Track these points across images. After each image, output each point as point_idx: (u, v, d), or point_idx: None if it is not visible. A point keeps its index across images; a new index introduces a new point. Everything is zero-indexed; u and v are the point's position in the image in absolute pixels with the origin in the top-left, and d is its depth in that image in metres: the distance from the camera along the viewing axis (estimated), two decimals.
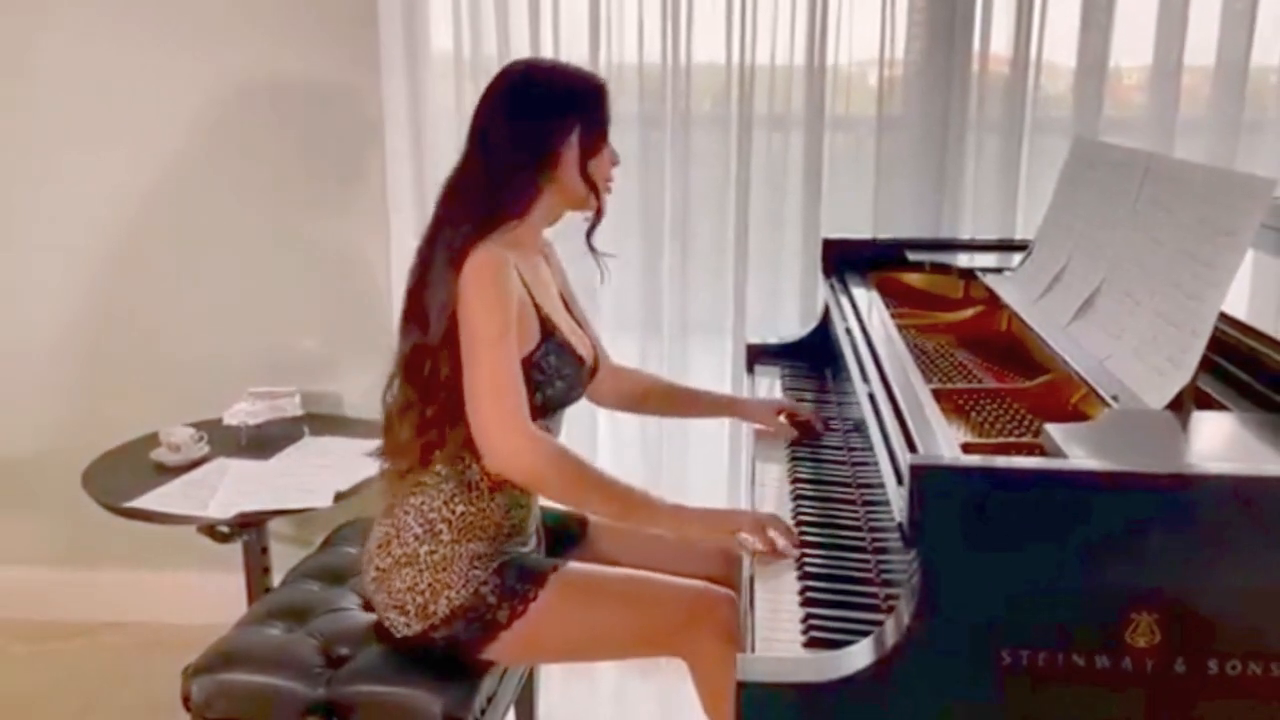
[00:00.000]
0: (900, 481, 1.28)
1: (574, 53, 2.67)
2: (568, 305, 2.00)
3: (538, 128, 1.76)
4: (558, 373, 1.78)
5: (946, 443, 1.34)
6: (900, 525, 1.17)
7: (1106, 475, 1.13)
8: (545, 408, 1.78)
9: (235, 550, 2.53)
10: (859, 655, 1.16)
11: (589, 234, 1.90)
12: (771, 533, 1.60)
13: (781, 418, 2.09)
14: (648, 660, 2.73)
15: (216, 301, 2.91)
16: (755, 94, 2.68)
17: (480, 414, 1.68)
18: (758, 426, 2.10)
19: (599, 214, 1.87)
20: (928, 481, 1.12)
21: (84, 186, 2.87)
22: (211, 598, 2.84)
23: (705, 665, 1.71)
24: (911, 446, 1.33)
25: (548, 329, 1.78)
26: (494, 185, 1.74)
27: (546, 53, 2.67)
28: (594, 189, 1.82)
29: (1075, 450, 1.19)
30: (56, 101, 2.82)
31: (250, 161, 2.83)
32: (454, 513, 1.78)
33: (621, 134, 2.70)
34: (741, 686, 1.15)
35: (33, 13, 2.77)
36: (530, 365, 1.74)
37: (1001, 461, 1.21)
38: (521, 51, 2.67)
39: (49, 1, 2.76)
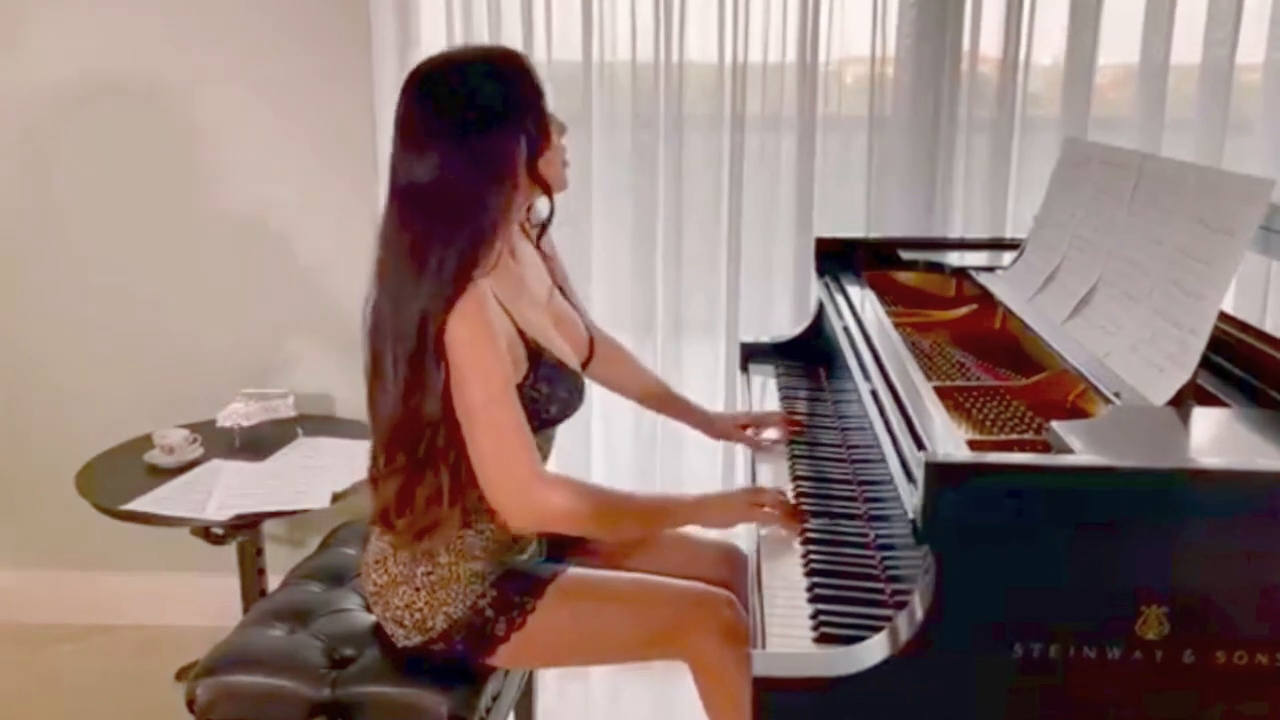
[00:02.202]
0: (911, 478, 1.30)
1: (566, 51, 2.68)
2: (563, 289, 1.94)
3: (488, 150, 1.61)
4: (550, 397, 1.73)
5: (953, 440, 1.35)
6: (913, 522, 1.19)
7: (1121, 471, 1.14)
8: (540, 428, 1.73)
9: (226, 552, 2.53)
10: (875, 649, 1.18)
11: (541, 233, 1.80)
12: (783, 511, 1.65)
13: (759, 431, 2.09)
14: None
15: (208, 303, 2.90)
16: (748, 93, 2.69)
17: (489, 483, 1.63)
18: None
19: (551, 211, 1.76)
20: (943, 478, 1.13)
21: (69, 186, 2.86)
22: (203, 600, 2.85)
23: (707, 666, 1.72)
24: (919, 444, 1.35)
25: (534, 352, 1.71)
26: (460, 242, 1.59)
27: (539, 52, 2.68)
28: (546, 189, 1.70)
29: (1082, 447, 1.21)
30: (50, 98, 2.80)
31: (242, 159, 2.83)
32: (451, 537, 1.74)
33: (614, 133, 2.75)
34: (759, 682, 1.16)
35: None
36: (521, 394, 1.66)
37: (1017, 458, 1.23)
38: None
39: None
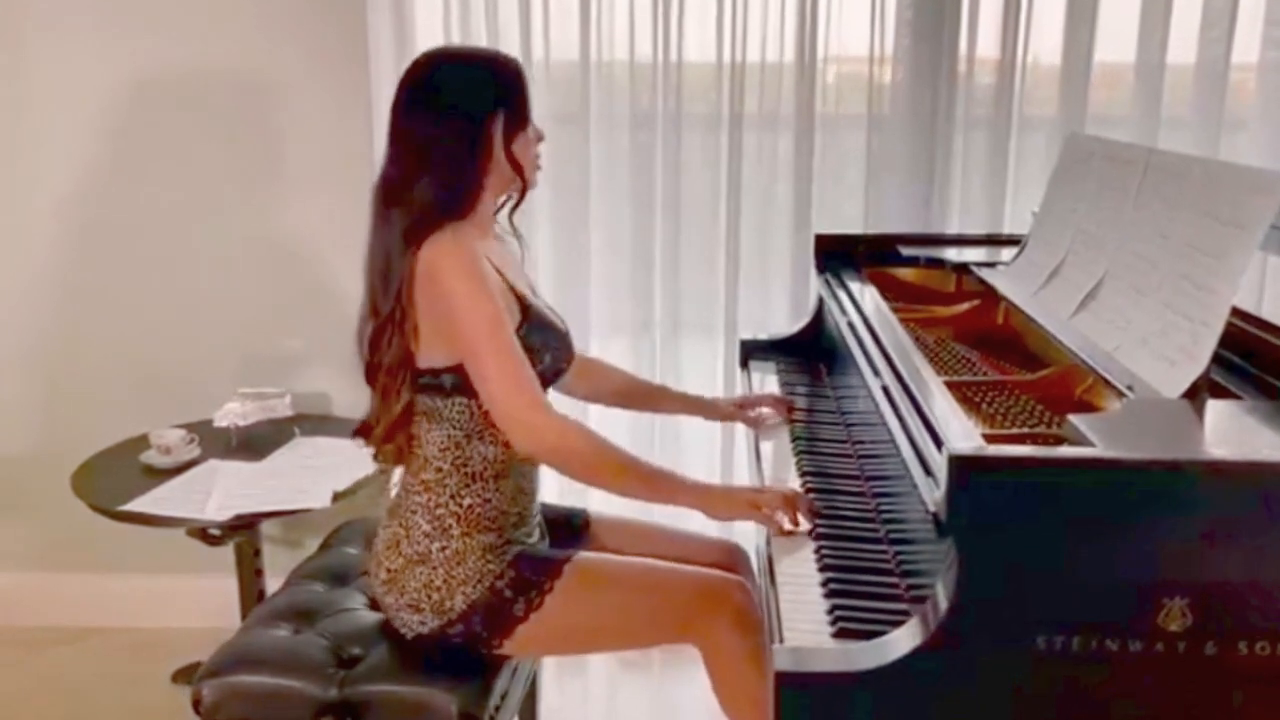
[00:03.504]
0: (929, 473, 1.30)
1: (564, 50, 2.68)
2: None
3: (467, 119, 1.74)
4: (544, 346, 1.79)
5: (969, 434, 1.36)
6: (934, 515, 1.19)
7: (1144, 464, 1.15)
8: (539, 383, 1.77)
9: (223, 554, 2.51)
10: (899, 643, 1.18)
11: (511, 211, 1.89)
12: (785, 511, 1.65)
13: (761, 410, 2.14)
14: (641, 654, 2.75)
15: (204, 302, 2.88)
16: (746, 92, 2.70)
17: (498, 405, 1.69)
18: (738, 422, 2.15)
19: (523, 193, 1.86)
20: (968, 472, 1.13)
21: (65, 185, 2.83)
22: (199, 602, 2.83)
23: (719, 651, 1.73)
24: (935, 438, 1.34)
25: (524, 305, 1.78)
26: (437, 184, 1.71)
27: (537, 51, 2.68)
28: (518, 169, 1.80)
29: (1100, 440, 1.21)
30: (43, 94, 2.78)
31: (238, 159, 2.81)
32: (461, 505, 1.77)
33: (612, 132, 2.74)
34: (781, 677, 1.16)
35: (14, 5, 2.74)
36: None
37: (1042, 451, 1.23)
38: (512, 50, 2.67)
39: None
